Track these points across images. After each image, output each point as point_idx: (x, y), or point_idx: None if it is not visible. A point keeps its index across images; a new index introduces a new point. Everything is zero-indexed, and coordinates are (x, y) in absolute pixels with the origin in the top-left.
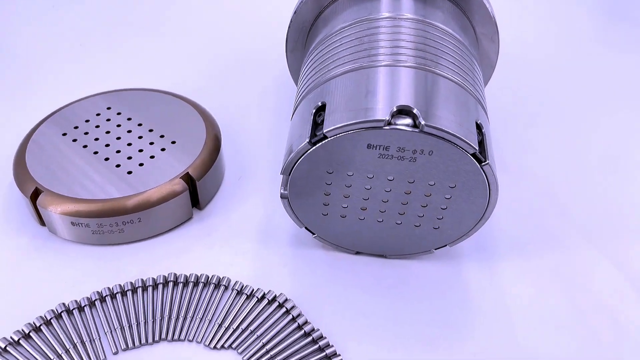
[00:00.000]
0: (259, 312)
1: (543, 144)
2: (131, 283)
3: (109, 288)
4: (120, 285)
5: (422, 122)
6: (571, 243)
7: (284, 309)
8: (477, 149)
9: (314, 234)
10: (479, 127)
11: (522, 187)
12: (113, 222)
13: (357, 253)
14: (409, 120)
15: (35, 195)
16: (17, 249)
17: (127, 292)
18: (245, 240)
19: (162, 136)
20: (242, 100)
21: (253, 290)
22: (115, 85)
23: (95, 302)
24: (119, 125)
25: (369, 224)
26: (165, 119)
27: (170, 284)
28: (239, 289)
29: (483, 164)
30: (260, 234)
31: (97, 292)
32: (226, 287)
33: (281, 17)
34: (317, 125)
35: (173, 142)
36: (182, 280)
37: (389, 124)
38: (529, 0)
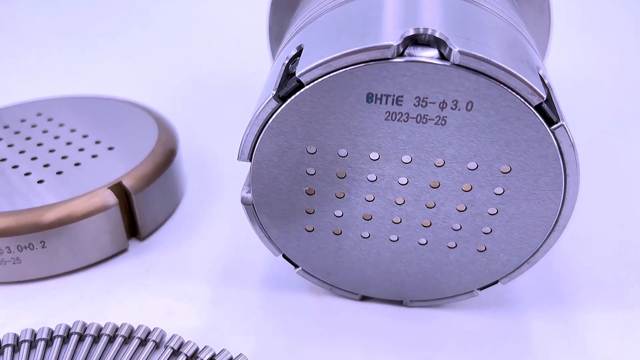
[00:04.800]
0: None
1: None
2: (15, 335)
3: None
4: None
5: (456, 49)
6: None
7: None
8: (545, 97)
9: (296, 266)
10: (541, 79)
11: (610, 207)
12: (3, 245)
13: (364, 298)
14: (432, 51)
15: None
16: None
17: (6, 349)
18: (197, 281)
19: (97, 142)
20: (216, 120)
21: (198, 349)
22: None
23: None
24: (45, 132)
25: (377, 246)
26: (107, 125)
27: (74, 338)
28: (175, 347)
29: (555, 125)
30: (219, 274)
31: None
32: (157, 344)
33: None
34: (291, 76)
35: (110, 149)
36: (92, 333)
37: (401, 54)
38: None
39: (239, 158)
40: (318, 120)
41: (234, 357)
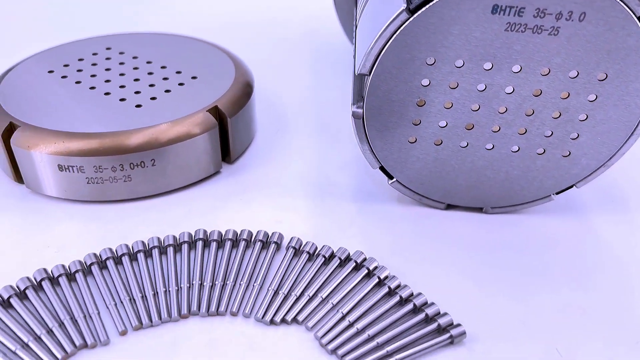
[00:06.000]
0: (329, 275)
1: None
2: (143, 243)
3: (111, 249)
4: (127, 245)
5: None
6: None
7: (364, 271)
8: None
9: (392, 177)
10: None
11: None
12: (117, 163)
13: (448, 207)
14: None
15: (8, 134)
16: None
17: (139, 254)
18: (294, 196)
19: (178, 72)
20: (279, 59)
21: (317, 248)
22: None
23: (92, 266)
24: (121, 63)
25: (472, 155)
26: (182, 58)
27: (199, 244)
28: (296, 247)
29: None
30: (313, 190)
31: (94, 254)
32: (278, 246)
33: None
34: None
35: (194, 78)
36: (215, 238)
37: None
38: None
39: (358, 71)
40: (442, 31)
41: (351, 254)
